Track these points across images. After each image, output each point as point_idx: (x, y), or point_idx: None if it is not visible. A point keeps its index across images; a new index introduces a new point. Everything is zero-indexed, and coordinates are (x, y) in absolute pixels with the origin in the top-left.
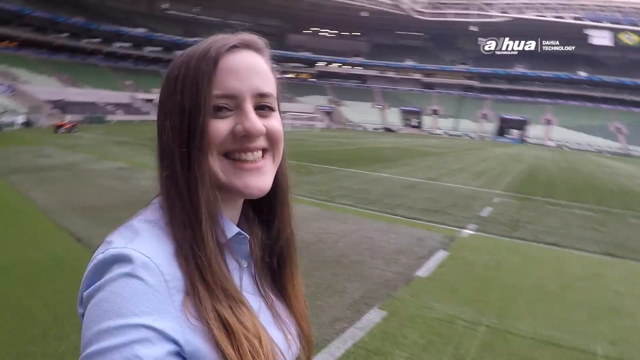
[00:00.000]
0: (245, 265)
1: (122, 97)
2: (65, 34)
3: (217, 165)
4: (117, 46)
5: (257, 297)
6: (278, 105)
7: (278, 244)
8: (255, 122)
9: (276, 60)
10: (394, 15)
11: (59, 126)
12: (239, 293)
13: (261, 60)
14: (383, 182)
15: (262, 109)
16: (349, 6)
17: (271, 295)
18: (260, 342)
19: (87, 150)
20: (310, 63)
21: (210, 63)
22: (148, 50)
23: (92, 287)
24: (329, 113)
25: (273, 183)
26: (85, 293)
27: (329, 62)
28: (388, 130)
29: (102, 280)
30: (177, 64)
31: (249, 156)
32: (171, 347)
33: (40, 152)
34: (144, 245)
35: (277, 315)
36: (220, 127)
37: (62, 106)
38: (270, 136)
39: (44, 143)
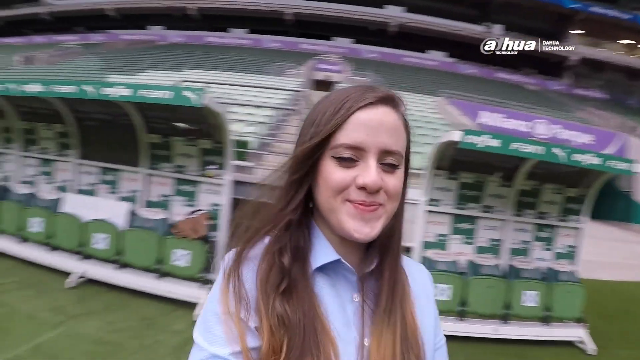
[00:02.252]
0: (356, 300)
1: None
2: None
3: (333, 206)
4: None
5: (355, 333)
6: (408, 161)
7: (383, 290)
8: (375, 177)
9: None
10: None
11: None
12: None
13: (395, 116)
14: None
15: (386, 164)
16: None
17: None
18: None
19: None
20: None
21: (342, 116)
22: None
23: None
24: None
25: (385, 231)
26: None
27: None
28: None
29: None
30: (317, 108)
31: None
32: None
33: None
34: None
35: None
36: (343, 176)
37: None
38: (387, 193)
39: None
